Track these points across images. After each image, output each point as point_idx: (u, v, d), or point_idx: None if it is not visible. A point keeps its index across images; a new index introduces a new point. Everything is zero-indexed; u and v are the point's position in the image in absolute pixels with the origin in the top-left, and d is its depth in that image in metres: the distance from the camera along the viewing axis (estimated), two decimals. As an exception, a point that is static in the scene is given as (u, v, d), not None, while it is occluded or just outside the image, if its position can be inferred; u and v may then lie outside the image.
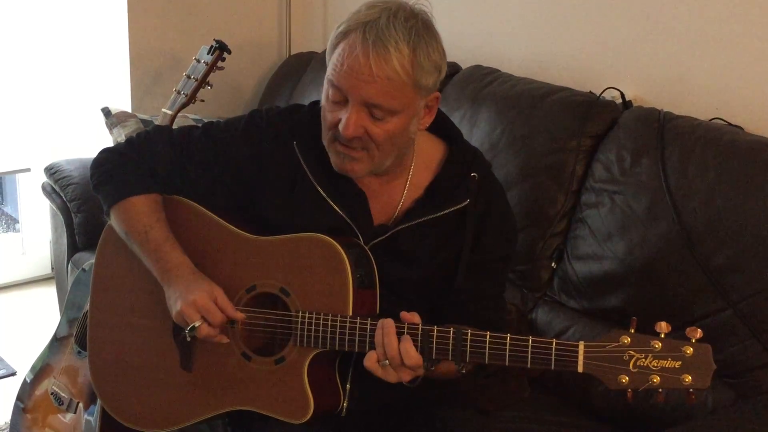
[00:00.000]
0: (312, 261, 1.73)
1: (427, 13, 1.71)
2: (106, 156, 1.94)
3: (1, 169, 3.93)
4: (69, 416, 2.29)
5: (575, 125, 2.43)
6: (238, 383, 1.79)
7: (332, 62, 1.67)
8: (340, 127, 1.67)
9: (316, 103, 1.85)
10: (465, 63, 2.95)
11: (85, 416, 2.22)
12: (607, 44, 2.69)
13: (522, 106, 2.56)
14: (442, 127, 1.87)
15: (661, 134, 2.25)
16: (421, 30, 1.66)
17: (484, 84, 2.73)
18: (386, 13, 1.63)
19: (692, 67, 2.47)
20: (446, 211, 1.79)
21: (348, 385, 1.77)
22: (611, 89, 2.53)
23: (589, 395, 2.22)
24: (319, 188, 1.80)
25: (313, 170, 1.81)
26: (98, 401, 2.15)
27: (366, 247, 1.78)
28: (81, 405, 2.25)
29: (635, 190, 2.24)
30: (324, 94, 1.71)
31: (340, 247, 1.70)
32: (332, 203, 1.79)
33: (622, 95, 2.55)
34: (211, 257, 1.84)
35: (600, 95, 2.50)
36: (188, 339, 1.77)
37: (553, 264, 2.44)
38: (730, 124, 2.32)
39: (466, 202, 1.80)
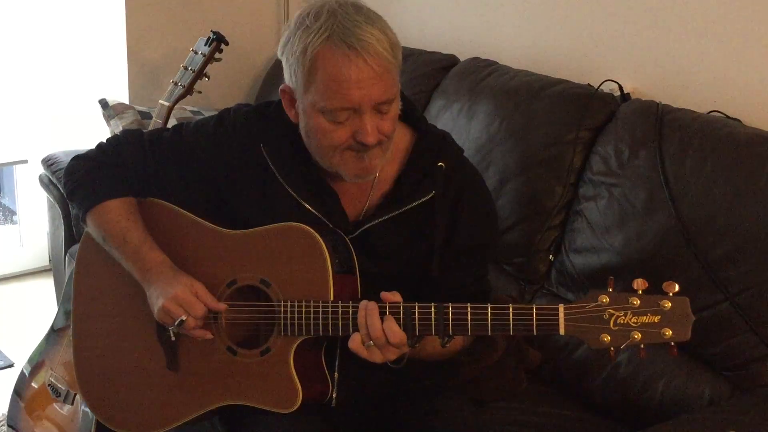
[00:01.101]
0: (290, 250, 1.73)
1: None
2: (77, 163, 1.94)
3: (-2, 161, 3.93)
4: (66, 408, 2.29)
5: (573, 118, 2.43)
6: (225, 378, 1.79)
7: (323, 87, 1.62)
8: (360, 137, 1.64)
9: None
10: (463, 55, 2.95)
11: (83, 408, 2.22)
12: (605, 37, 2.69)
13: (520, 99, 2.56)
14: (406, 111, 1.82)
15: (659, 127, 2.24)
16: (367, 11, 1.65)
17: (482, 76, 2.73)
18: (339, 16, 1.60)
19: (690, 59, 2.47)
20: (413, 204, 1.78)
21: (336, 374, 1.77)
22: (609, 82, 2.53)
23: (585, 387, 2.23)
24: (289, 189, 1.79)
25: (282, 172, 1.80)
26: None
27: (343, 234, 1.78)
28: (78, 396, 2.25)
29: (633, 183, 2.24)
30: (315, 122, 1.67)
31: (316, 234, 1.71)
32: (304, 203, 1.78)
33: (621, 88, 2.54)
34: (190, 256, 1.83)
35: (598, 88, 2.49)
36: (173, 338, 1.78)
37: (550, 256, 2.44)
38: (728, 116, 2.31)
39: (432, 194, 1.78)
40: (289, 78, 1.70)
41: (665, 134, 2.23)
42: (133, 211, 1.87)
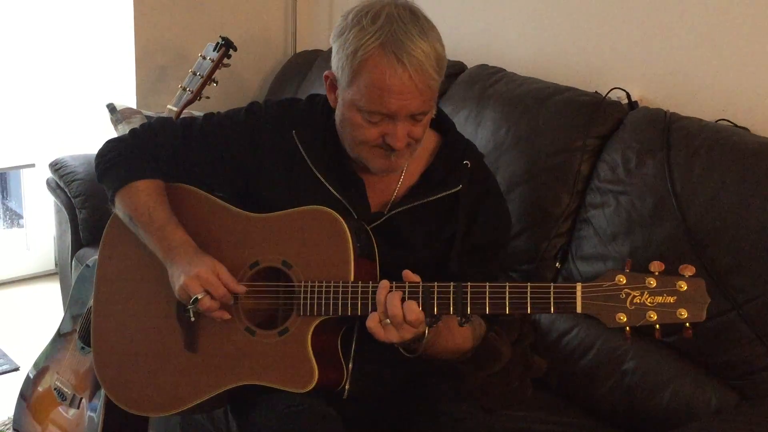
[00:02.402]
0: (313, 232, 1.76)
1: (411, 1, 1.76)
2: (110, 145, 2.00)
3: (6, 165, 3.93)
4: (72, 412, 2.30)
5: (581, 125, 2.42)
6: (242, 359, 1.81)
7: (365, 89, 1.69)
8: (390, 141, 1.72)
9: (313, 96, 1.92)
10: (470, 62, 2.95)
11: (88, 412, 2.22)
12: (613, 44, 2.69)
13: (527, 106, 2.56)
14: (435, 118, 1.89)
15: (666, 135, 2.24)
16: (423, 21, 1.71)
17: (489, 83, 2.73)
18: (396, 24, 1.66)
19: (698, 68, 2.47)
20: (440, 195, 1.84)
21: (350, 364, 1.78)
22: (617, 89, 2.53)
23: (592, 395, 2.23)
24: (318, 174, 1.85)
25: (312, 157, 1.86)
26: (101, 397, 2.15)
27: (364, 224, 1.81)
28: (84, 401, 2.25)
29: (640, 191, 2.24)
30: (351, 116, 1.74)
31: (339, 217, 1.74)
32: (331, 188, 1.84)
33: (628, 95, 2.54)
34: (214, 238, 1.87)
35: (606, 95, 2.49)
36: (192, 318, 1.80)
37: (557, 264, 2.44)
38: (736, 125, 2.31)
39: (459, 188, 1.84)
40: (335, 67, 1.75)
41: (673, 142, 2.23)
42: (161, 192, 1.92)
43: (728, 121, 2.33)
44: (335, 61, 1.75)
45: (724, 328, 2.03)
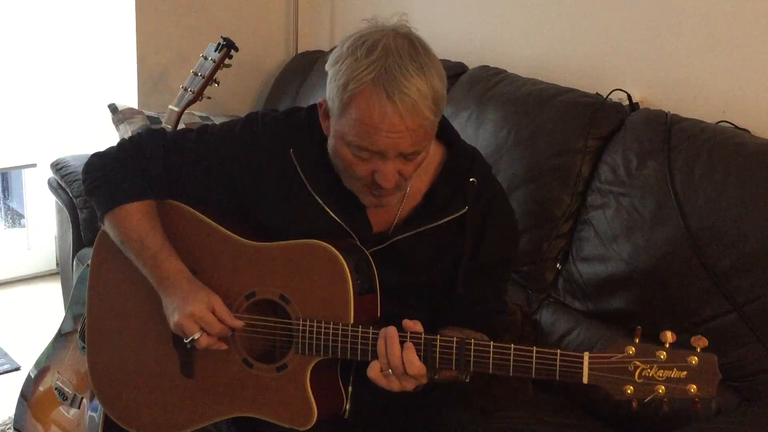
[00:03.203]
0: (312, 268, 1.71)
1: (412, 30, 1.66)
2: (97, 161, 1.91)
3: (7, 164, 3.94)
4: (73, 411, 2.30)
5: (582, 127, 2.42)
6: (240, 390, 1.79)
7: (353, 124, 1.60)
8: (378, 180, 1.63)
9: (313, 108, 1.81)
10: (472, 63, 2.95)
11: (89, 412, 2.22)
12: (614, 46, 2.69)
13: (529, 107, 2.56)
14: (439, 129, 1.80)
15: (667, 137, 2.24)
16: (422, 56, 1.60)
17: (490, 84, 2.73)
18: (391, 59, 1.57)
19: (699, 69, 2.47)
20: (445, 220, 1.77)
21: (350, 387, 1.77)
22: (618, 91, 2.53)
23: (593, 397, 2.22)
24: (316, 197, 1.77)
25: (310, 178, 1.78)
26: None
27: (365, 250, 1.76)
28: (85, 400, 2.25)
29: (641, 193, 2.24)
30: (340, 149, 1.65)
31: (340, 255, 1.69)
32: (330, 212, 1.77)
33: (629, 97, 2.54)
34: (209, 264, 1.82)
35: (607, 97, 2.49)
36: (188, 346, 1.77)
37: (558, 265, 2.44)
38: (737, 127, 2.31)
39: (465, 210, 1.78)
40: (328, 97, 1.67)
41: (674, 144, 2.23)
42: (153, 215, 1.85)
43: (729, 122, 2.33)
44: (328, 90, 1.66)
45: (724, 329, 2.03)
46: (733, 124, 2.32)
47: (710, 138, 2.19)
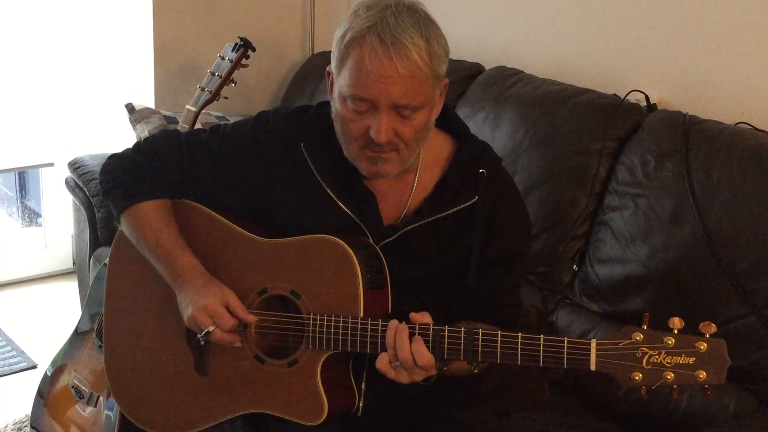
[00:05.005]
0: (322, 263, 1.72)
1: (420, 3, 1.71)
2: (114, 162, 1.95)
3: (25, 164, 3.96)
4: (89, 410, 2.31)
5: (599, 127, 2.42)
6: (252, 386, 1.79)
7: (348, 73, 1.64)
8: (372, 134, 1.65)
9: (323, 105, 1.85)
10: (488, 64, 2.95)
11: (105, 411, 2.23)
12: (631, 47, 2.68)
13: (545, 108, 2.55)
14: (448, 122, 1.84)
15: (685, 138, 2.23)
16: (425, 20, 1.65)
17: (507, 85, 2.73)
18: (389, 12, 1.62)
19: (718, 70, 2.46)
20: (455, 209, 1.78)
21: (363, 384, 1.77)
22: (636, 92, 2.52)
23: (609, 398, 2.21)
24: (327, 189, 1.79)
25: (321, 172, 1.80)
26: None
27: (376, 246, 1.77)
28: (101, 399, 2.26)
29: (659, 194, 2.23)
30: (340, 108, 1.69)
31: (349, 249, 1.70)
32: (341, 204, 1.79)
33: (647, 98, 2.53)
34: (222, 261, 1.84)
35: (624, 98, 2.48)
36: (201, 343, 1.78)
37: (574, 266, 2.43)
38: (755, 128, 2.30)
39: (475, 200, 1.79)
40: (332, 58, 1.72)
41: (692, 145, 2.22)
42: (168, 213, 1.88)
43: (748, 124, 2.32)
44: (332, 53, 1.71)
45: (742, 332, 2.02)
46: (751, 126, 2.31)
47: (728, 139, 2.18)
